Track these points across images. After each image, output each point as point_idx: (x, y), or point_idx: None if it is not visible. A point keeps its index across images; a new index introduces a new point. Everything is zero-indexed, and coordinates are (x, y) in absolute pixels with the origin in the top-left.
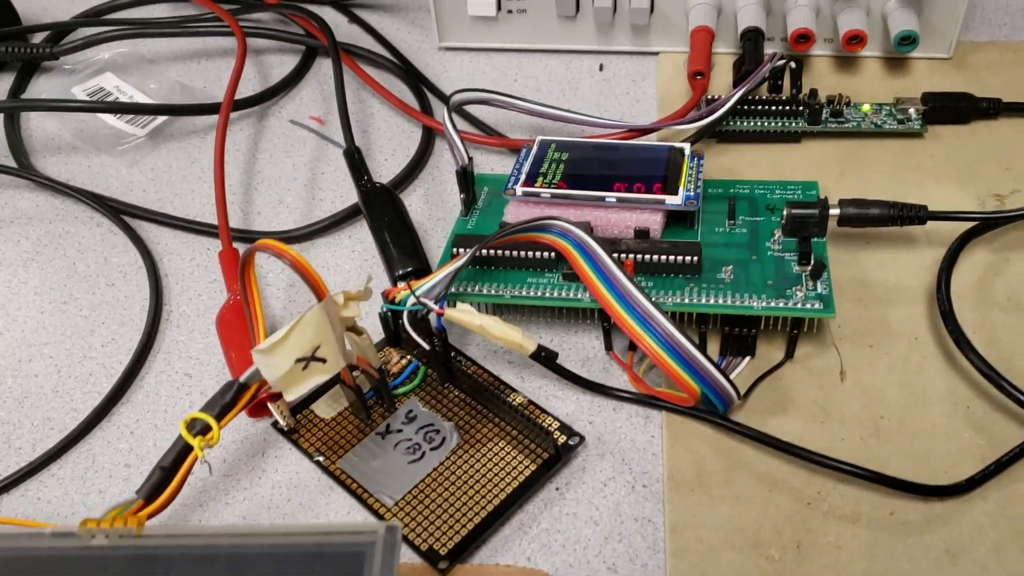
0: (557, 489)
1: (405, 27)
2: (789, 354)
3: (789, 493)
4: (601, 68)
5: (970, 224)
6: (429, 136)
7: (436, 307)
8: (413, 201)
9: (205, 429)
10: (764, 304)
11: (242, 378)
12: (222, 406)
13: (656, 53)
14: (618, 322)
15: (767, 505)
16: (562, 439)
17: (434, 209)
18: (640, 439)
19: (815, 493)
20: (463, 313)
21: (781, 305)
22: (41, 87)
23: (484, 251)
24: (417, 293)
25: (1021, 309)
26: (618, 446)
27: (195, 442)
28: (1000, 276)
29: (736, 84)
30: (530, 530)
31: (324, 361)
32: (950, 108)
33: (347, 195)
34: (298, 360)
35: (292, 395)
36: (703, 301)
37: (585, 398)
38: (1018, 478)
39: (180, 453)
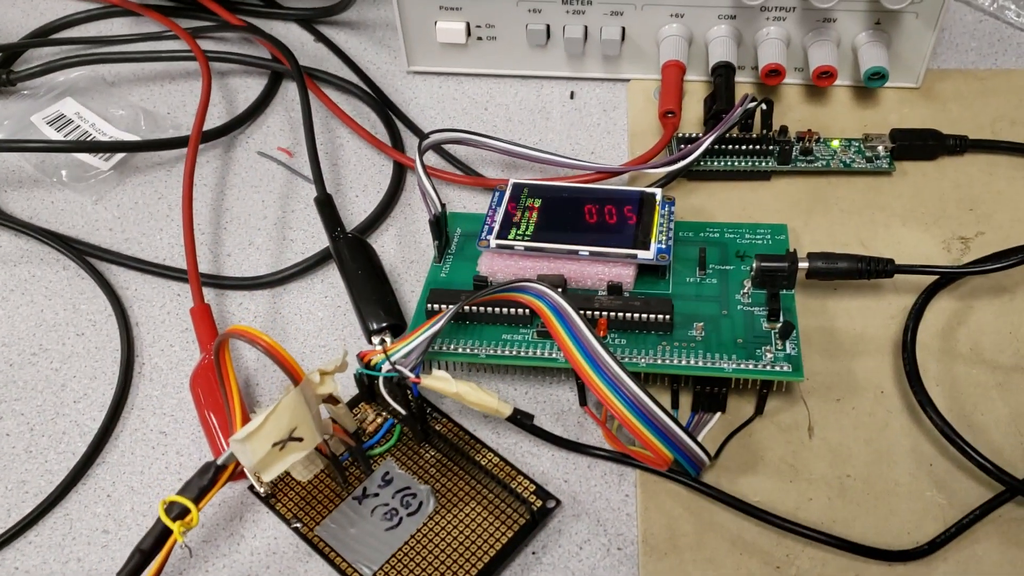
0: (534, 553)
1: (372, 47)
2: (759, 410)
3: (759, 556)
4: (572, 96)
5: (935, 277)
6: (401, 171)
7: (412, 376)
8: (385, 242)
9: (184, 512)
10: (735, 365)
11: (219, 461)
12: (200, 488)
13: (627, 80)
14: (590, 387)
15: (737, 569)
16: (538, 503)
17: (407, 251)
18: (615, 498)
19: (784, 556)
20: (439, 381)
21: (751, 367)
22: (0, 113)
23: (470, 309)
24: (392, 359)
25: (983, 360)
26: (593, 506)
27: (175, 527)
28: (963, 325)
29: (707, 123)
30: None
31: (301, 440)
32: (918, 146)
33: (318, 235)
34: (275, 444)
35: (269, 476)
36: (675, 362)
37: (560, 455)
38: (976, 540)
39: (159, 537)
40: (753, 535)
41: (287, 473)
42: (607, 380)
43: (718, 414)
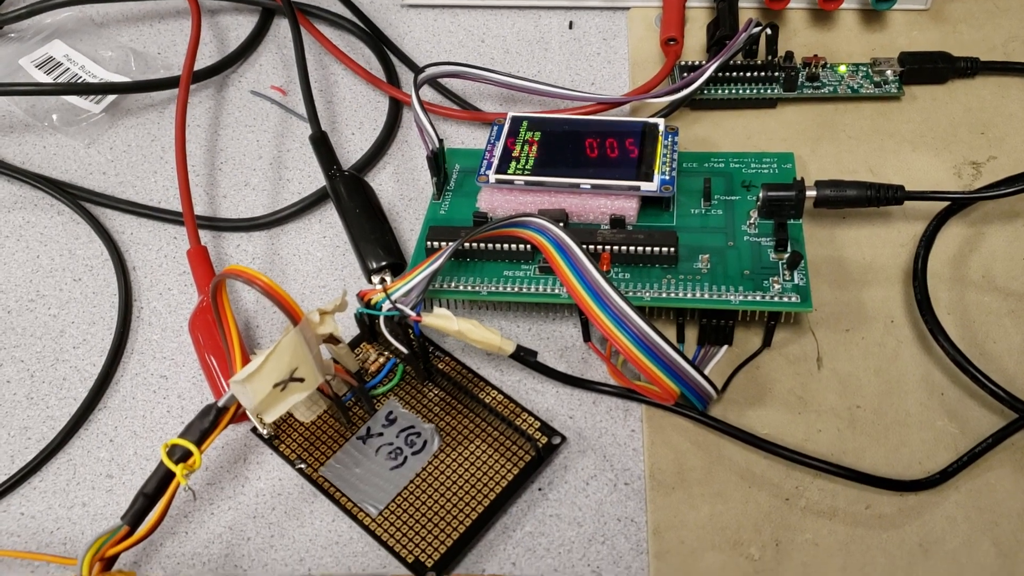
0: (540, 490)
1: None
2: (766, 342)
3: (768, 489)
4: (571, 26)
5: (946, 204)
6: (397, 107)
7: (413, 314)
8: (383, 180)
9: (186, 455)
10: (741, 298)
11: (220, 402)
12: (201, 431)
13: (627, 8)
14: (594, 321)
15: (747, 503)
16: (543, 440)
17: (405, 188)
18: (621, 434)
19: (793, 488)
20: (441, 319)
21: (759, 298)
22: None
23: (471, 245)
24: (392, 297)
25: (995, 288)
26: (599, 441)
27: (177, 469)
28: (975, 252)
29: (710, 50)
30: (514, 534)
31: (302, 380)
32: (927, 69)
33: (315, 175)
34: (276, 384)
35: (271, 417)
36: (680, 295)
37: (565, 391)
38: (989, 468)
39: (162, 480)
40: (762, 468)
41: (290, 414)
42: (611, 314)
43: (725, 347)
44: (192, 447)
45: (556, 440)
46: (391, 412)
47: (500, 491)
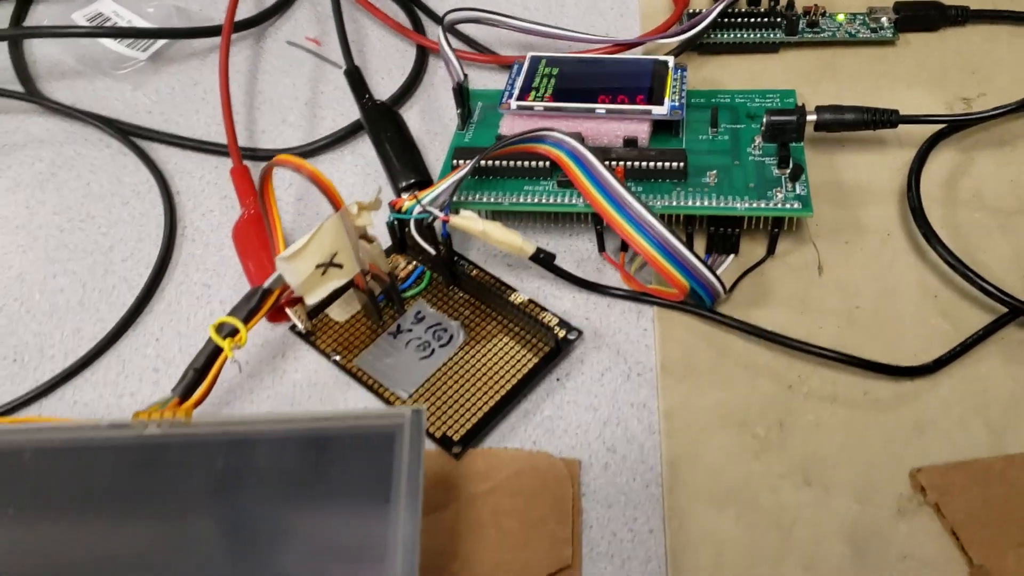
0: (558, 380)
1: None
2: (771, 251)
3: (772, 377)
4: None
5: (939, 127)
6: (423, 55)
7: (441, 215)
8: (410, 118)
9: (233, 332)
10: (747, 205)
11: (265, 284)
12: (248, 310)
13: None
14: (611, 224)
15: (752, 390)
16: (561, 333)
17: (431, 124)
18: (633, 332)
19: (796, 377)
20: (466, 219)
21: (763, 206)
22: (41, 15)
23: (482, 162)
24: (423, 202)
25: (986, 205)
26: (613, 339)
27: (224, 344)
28: (967, 175)
29: None
30: (534, 417)
31: (341, 267)
32: (920, 16)
33: (348, 113)
34: (318, 266)
35: (312, 299)
36: (689, 203)
37: (581, 296)
38: (980, 359)
39: (211, 355)
40: (766, 359)
41: (326, 315)
42: (628, 217)
43: (731, 256)
44: (239, 324)
45: (573, 335)
46: (419, 311)
47: (521, 378)
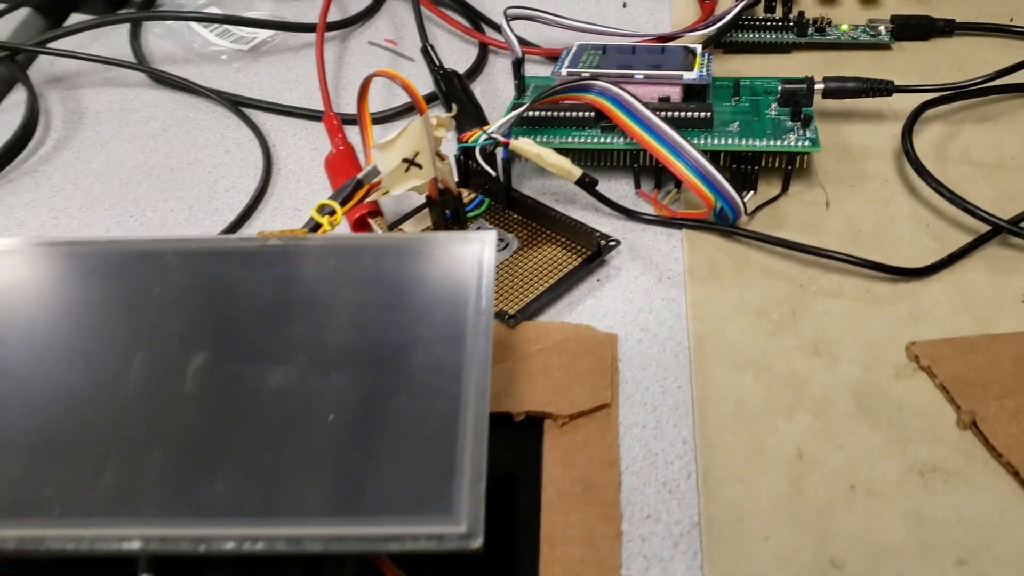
0: (598, 280)
1: None
2: (784, 188)
3: (785, 279)
4: (624, 5)
5: (929, 96)
6: (484, 50)
7: (503, 138)
8: None
9: (331, 212)
10: (765, 144)
11: (359, 176)
12: (344, 196)
13: None
14: (654, 153)
15: (768, 288)
16: (602, 240)
17: (490, 102)
18: (664, 248)
19: (807, 279)
20: (525, 143)
21: (778, 144)
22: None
23: (533, 113)
24: (488, 131)
25: (971, 161)
26: (646, 253)
27: (323, 220)
28: (955, 140)
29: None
30: (578, 307)
31: (420, 167)
32: (913, 26)
33: (421, 89)
34: (404, 160)
35: (396, 190)
36: (715, 142)
37: (618, 223)
38: (967, 268)
39: (312, 231)
40: (781, 266)
41: (400, 229)
42: (667, 146)
43: (751, 192)
44: (336, 205)
45: (612, 242)
46: (480, 226)
47: (566, 273)
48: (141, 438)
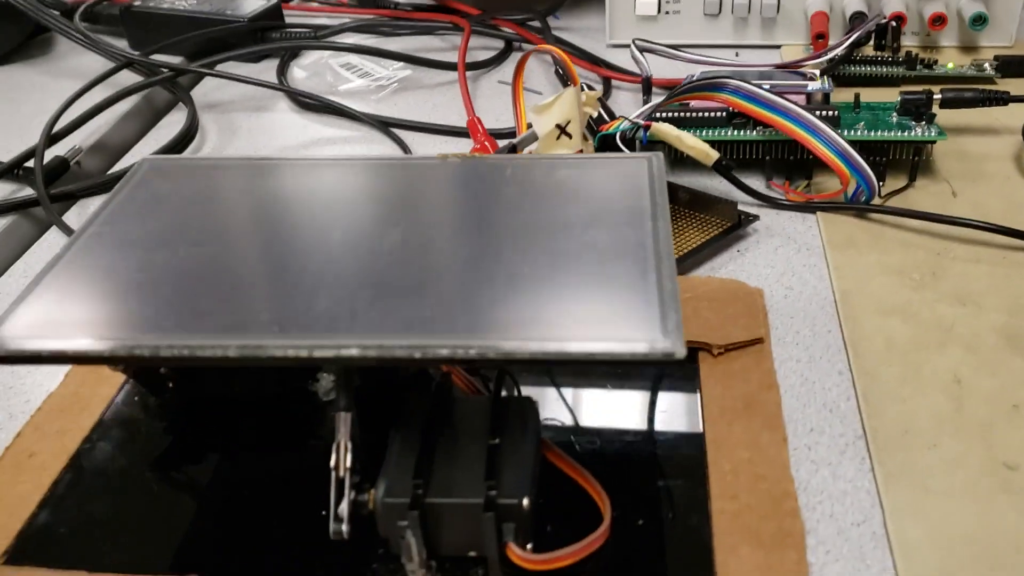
0: (739, 251)
1: (579, 36)
2: (912, 179)
3: (923, 248)
4: (737, 54)
5: None
6: (608, 84)
7: (644, 121)
8: None
9: None
10: (893, 134)
11: (515, 140)
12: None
13: (779, 46)
14: (795, 137)
15: (906, 255)
16: (743, 214)
17: None
18: (800, 228)
19: (943, 248)
20: (665, 126)
21: (906, 135)
22: (302, 62)
23: (666, 114)
24: (630, 117)
25: None
26: (783, 231)
27: None
28: None
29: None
30: (721, 271)
31: (570, 136)
32: (1017, 63)
33: None
34: (557, 126)
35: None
36: (846, 134)
37: (754, 208)
38: None
39: None
40: (917, 239)
41: None
42: (808, 129)
43: (880, 183)
44: None
45: (753, 216)
46: None
47: (708, 239)
48: (351, 279)
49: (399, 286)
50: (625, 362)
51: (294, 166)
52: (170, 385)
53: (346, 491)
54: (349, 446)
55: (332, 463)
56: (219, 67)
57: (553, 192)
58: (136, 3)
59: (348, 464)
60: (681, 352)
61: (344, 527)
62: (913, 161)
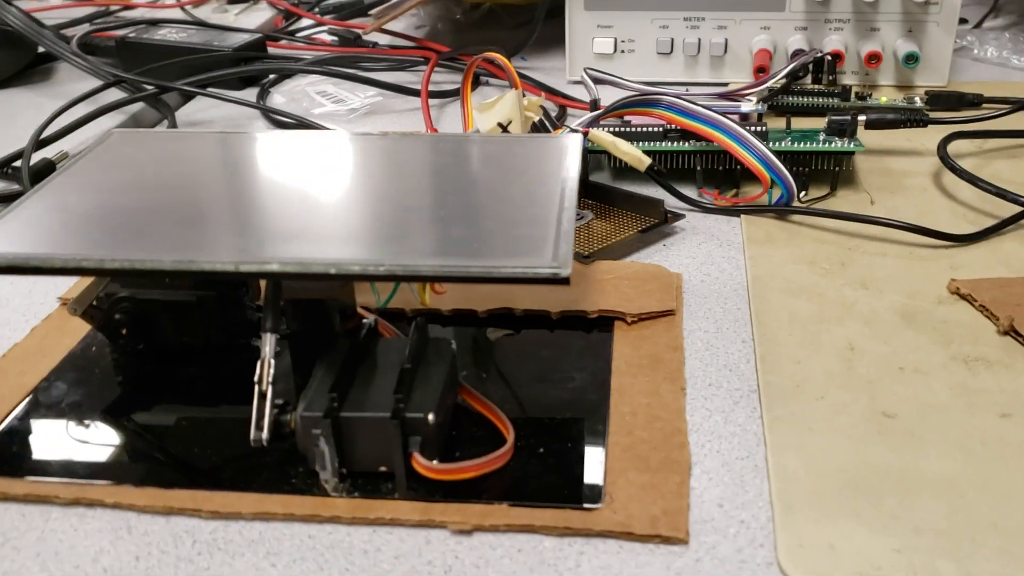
0: (664, 245)
1: (542, 74)
2: (832, 188)
3: (836, 244)
4: (687, 90)
5: (960, 128)
6: (563, 111)
7: (581, 128)
8: None
9: None
10: (816, 146)
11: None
12: None
13: (727, 84)
14: (723, 145)
15: (818, 249)
16: (668, 213)
17: None
18: (725, 228)
19: (854, 245)
20: (601, 132)
21: (828, 147)
22: (281, 88)
23: (608, 128)
24: (573, 125)
25: (1003, 179)
26: (708, 230)
27: None
28: (986, 168)
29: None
30: (646, 260)
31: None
32: (945, 97)
33: None
34: (498, 124)
35: None
36: (773, 145)
37: (683, 211)
38: (1003, 240)
39: None
40: (831, 236)
41: None
42: (734, 138)
43: (803, 192)
44: None
45: (678, 214)
46: None
47: (634, 232)
48: (288, 222)
49: (331, 229)
50: (519, 279)
51: (254, 137)
52: (124, 332)
53: (267, 403)
54: (272, 363)
55: (256, 378)
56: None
57: (480, 162)
58: (131, 34)
59: (270, 379)
60: (565, 272)
61: (264, 435)
62: (835, 172)
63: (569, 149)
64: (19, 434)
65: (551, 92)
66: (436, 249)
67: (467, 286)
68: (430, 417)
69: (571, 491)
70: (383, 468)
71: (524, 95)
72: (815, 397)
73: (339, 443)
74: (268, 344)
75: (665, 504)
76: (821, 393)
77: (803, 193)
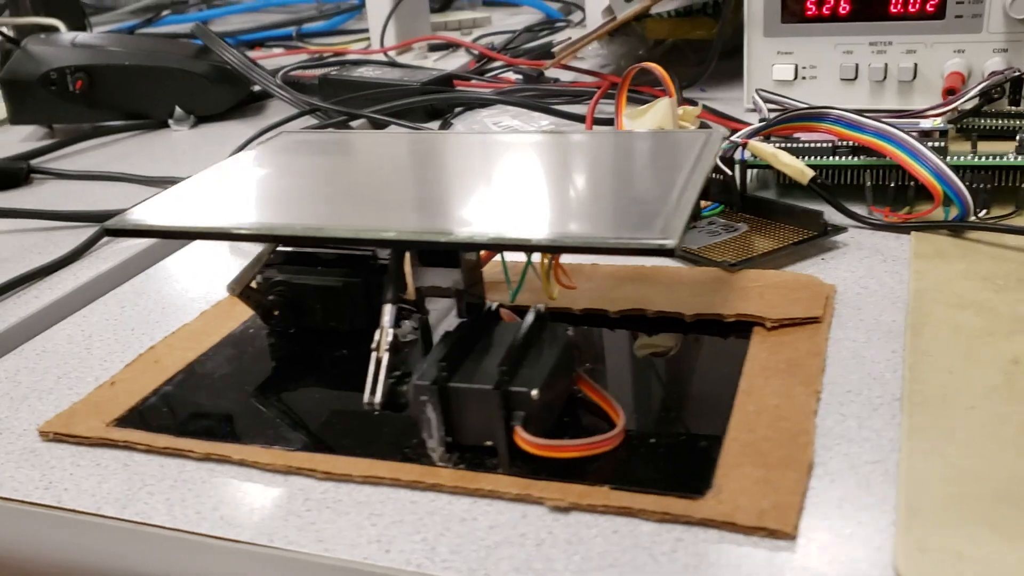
0: (823, 259)
1: (721, 104)
2: (1018, 206)
3: (1015, 261)
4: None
5: None
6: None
7: (742, 140)
8: None
9: None
10: (1001, 160)
11: None
12: None
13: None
14: (897, 160)
15: (994, 266)
16: (829, 224)
17: None
18: (892, 244)
19: None
20: (762, 144)
21: (1014, 160)
22: (463, 120)
23: (775, 143)
24: (732, 137)
25: None
26: (874, 246)
27: None
28: None
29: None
30: (804, 272)
31: None
32: None
33: None
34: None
35: None
36: (954, 160)
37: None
38: None
39: None
40: (1011, 254)
41: None
42: (909, 152)
43: (984, 211)
44: None
45: (839, 227)
46: (712, 222)
47: (789, 244)
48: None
49: (460, 209)
50: (625, 249)
51: (415, 136)
52: (276, 313)
53: (383, 369)
54: (390, 332)
55: (373, 345)
56: (390, 124)
57: (617, 152)
58: (333, 72)
59: (387, 347)
60: (671, 244)
61: (377, 399)
62: (1021, 188)
63: (707, 142)
64: (171, 398)
65: (723, 117)
66: (552, 224)
67: (599, 285)
68: (534, 393)
69: (677, 480)
70: (489, 443)
71: (678, 105)
72: (965, 407)
73: (447, 413)
74: (387, 314)
75: (777, 498)
76: (972, 404)
77: (983, 211)
